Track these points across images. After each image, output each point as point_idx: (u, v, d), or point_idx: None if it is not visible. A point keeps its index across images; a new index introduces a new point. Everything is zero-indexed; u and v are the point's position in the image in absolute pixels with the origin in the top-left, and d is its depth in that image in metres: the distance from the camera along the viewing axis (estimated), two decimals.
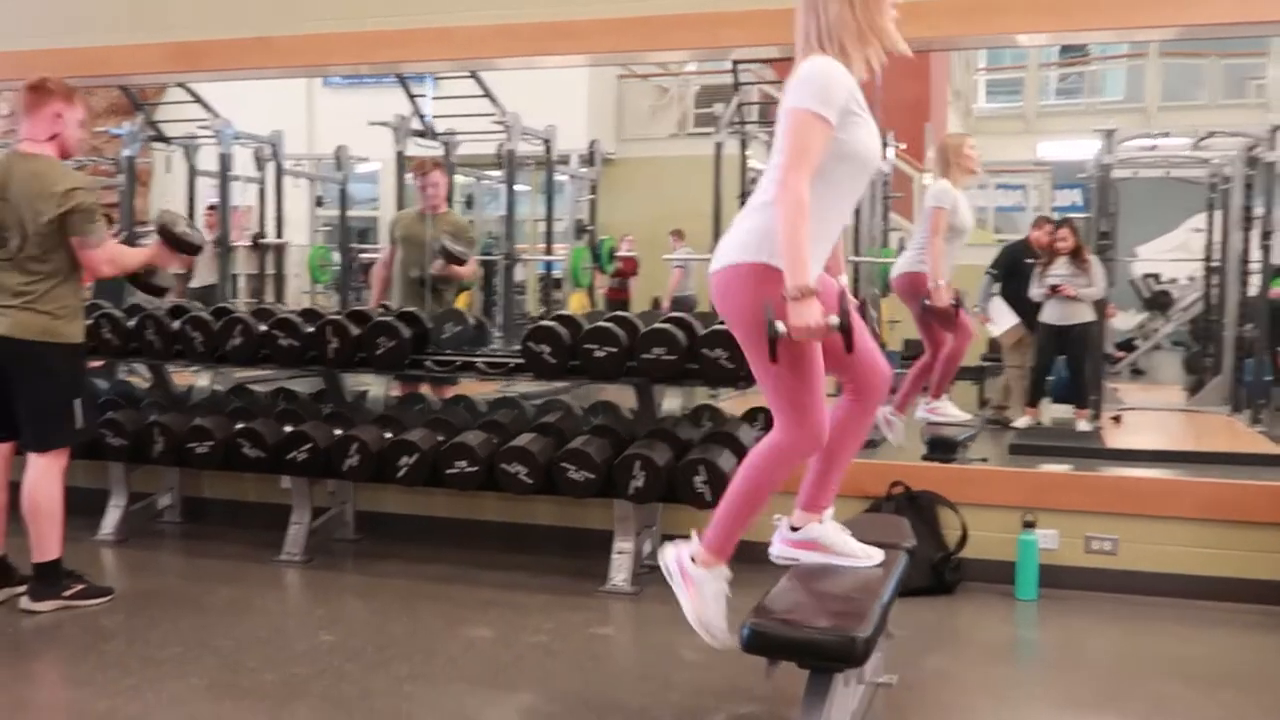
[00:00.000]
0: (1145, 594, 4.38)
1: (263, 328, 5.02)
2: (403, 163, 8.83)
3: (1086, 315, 7.57)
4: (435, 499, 5.07)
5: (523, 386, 6.19)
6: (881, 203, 8.40)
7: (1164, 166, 9.99)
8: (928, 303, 5.25)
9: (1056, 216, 9.60)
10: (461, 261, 5.94)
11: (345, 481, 4.96)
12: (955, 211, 5.26)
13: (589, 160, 10.51)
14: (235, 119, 8.51)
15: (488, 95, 8.29)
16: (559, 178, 10.09)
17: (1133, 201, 8.54)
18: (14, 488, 4.12)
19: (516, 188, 8.71)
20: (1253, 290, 8.49)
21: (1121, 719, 3.42)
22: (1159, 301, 11.89)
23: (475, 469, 4.54)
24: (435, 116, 8.87)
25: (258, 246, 9.32)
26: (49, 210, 3.95)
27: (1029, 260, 7.85)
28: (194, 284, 8.54)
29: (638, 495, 4.34)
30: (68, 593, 4.09)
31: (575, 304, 10.12)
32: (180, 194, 9.35)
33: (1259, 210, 8.37)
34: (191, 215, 8.87)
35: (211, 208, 8.99)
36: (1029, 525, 4.44)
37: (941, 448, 5.25)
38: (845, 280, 3.00)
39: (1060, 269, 7.49)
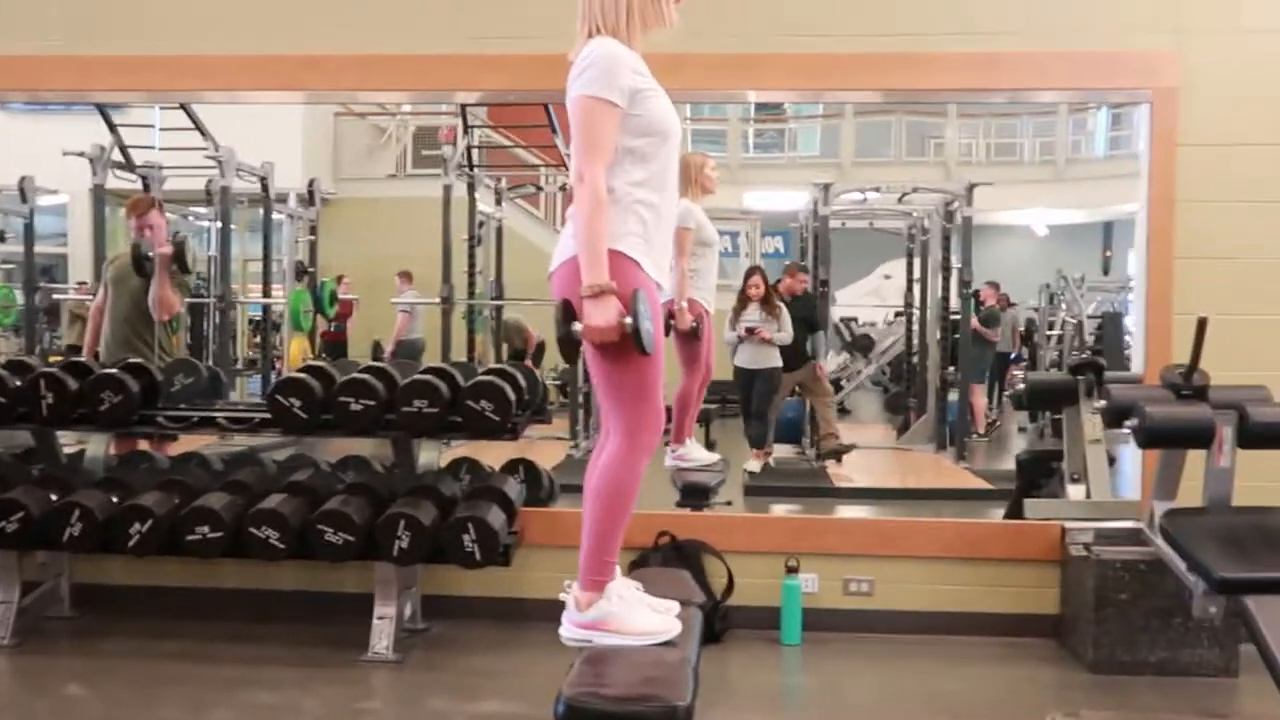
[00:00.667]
0: (901, 632, 4.54)
1: None
2: (101, 196, 8.17)
3: (775, 360, 7.90)
4: (165, 567, 4.62)
5: (260, 439, 5.76)
6: None
7: (869, 217, 10.70)
8: (672, 324, 5.24)
9: (763, 263, 10.13)
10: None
11: (60, 553, 4.43)
12: (701, 228, 5.33)
13: (308, 200, 10.08)
14: None
15: (198, 128, 7.81)
16: (276, 217, 9.63)
17: (831, 249, 9.03)
18: None
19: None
20: (956, 334, 9.17)
21: None
22: (861, 344, 12.63)
23: (220, 534, 4.15)
24: (133, 147, 8.27)
25: None
26: None
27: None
28: None
29: (402, 557, 4.10)
30: None
31: (296, 349, 9.63)
32: None
33: (956, 262, 9.09)
34: None
35: None
36: (792, 570, 4.51)
37: (694, 494, 5.23)
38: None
39: (752, 314, 7.80)
